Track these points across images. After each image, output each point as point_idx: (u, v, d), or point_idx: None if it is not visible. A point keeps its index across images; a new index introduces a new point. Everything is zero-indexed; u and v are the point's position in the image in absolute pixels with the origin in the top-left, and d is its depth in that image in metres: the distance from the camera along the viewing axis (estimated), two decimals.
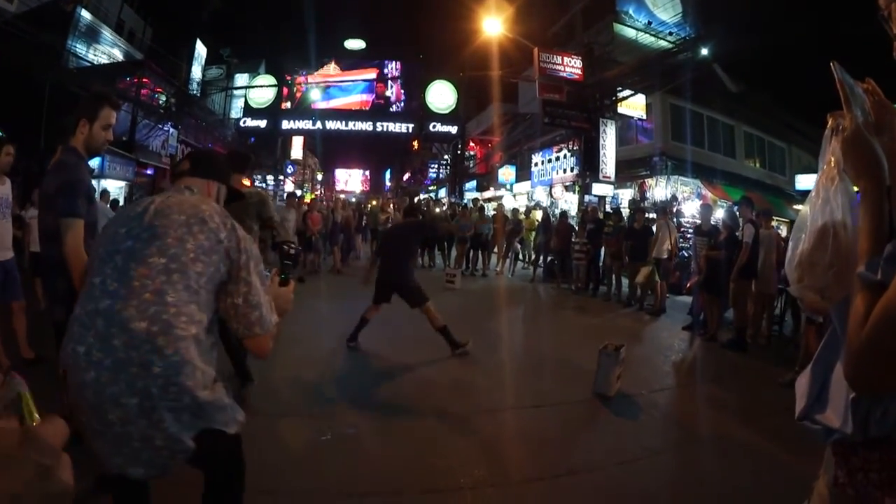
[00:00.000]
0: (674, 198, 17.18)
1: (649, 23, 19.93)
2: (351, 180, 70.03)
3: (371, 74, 33.82)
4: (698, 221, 9.98)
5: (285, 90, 31.24)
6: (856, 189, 1.19)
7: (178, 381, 1.64)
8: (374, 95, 33.78)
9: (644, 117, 18.56)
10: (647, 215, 11.99)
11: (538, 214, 16.44)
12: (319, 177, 62.64)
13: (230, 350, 4.41)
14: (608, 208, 16.34)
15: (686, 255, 11.86)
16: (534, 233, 15.18)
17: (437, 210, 15.79)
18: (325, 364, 5.79)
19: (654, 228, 10.58)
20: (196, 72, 26.38)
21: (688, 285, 9.21)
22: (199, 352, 1.73)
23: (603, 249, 12.03)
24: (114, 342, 1.64)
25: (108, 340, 1.64)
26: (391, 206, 17.74)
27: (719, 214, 11.19)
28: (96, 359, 1.64)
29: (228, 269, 1.86)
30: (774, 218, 9.06)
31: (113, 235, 1.88)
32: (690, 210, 16.15)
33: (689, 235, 11.97)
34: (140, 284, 1.70)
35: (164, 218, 1.83)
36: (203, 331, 1.77)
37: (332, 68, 33.68)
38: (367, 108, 32.83)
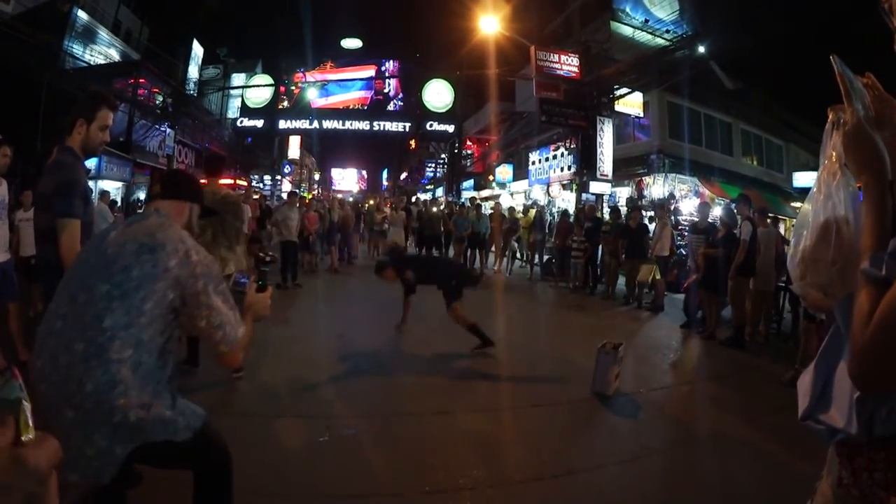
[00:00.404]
0: (671, 196, 17.18)
1: (646, 20, 19.89)
2: (348, 179, 70.11)
3: (369, 72, 33.86)
4: (695, 219, 9.99)
5: (282, 88, 31.18)
6: (858, 185, 1.18)
7: (108, 400, 1.76)
8: (372, 91, 33.79)
9: (641, 115, 18.56)
10: (643, 213, 11.96)
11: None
12: (317, 176, 62.59)
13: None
14: (606, 206, 16.34)
15: (683, 252, 11.85)
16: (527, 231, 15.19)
17: (434, 210, 15.75)
18: (322, 364, 5.76)
19: (649, 227, 10.57)
20: (193, 72, 26.38)
21: (685, 284, 9.18)
22: (136, 374, 1.83)
23: (601, 248, 12.02)
24: (60, 360, 1.80)
25: (57, 358, 1.81)
26: (388, 205, 17.72)
27: (717, 212, 11.19)
28: (47, 373, 1.81)
29: (181, 295, 1.96)
30: (770, 215, 9.03)
31: (76, 262, 2.05)
32: (688, 208, 16.16)
33: (685, 233, 11.96)
34: (83, 310, 1.84)
35: (118, 247, 1.95)
36: (144, 353, 1.86)
37: (329, 66, 33.69)
38: (367, 105, 32.86)
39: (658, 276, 10.11)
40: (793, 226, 1.68)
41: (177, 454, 1.94)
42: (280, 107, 30.89)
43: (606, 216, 13.71)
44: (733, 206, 8.78)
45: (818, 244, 1.24)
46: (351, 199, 28.09)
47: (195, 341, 5.07)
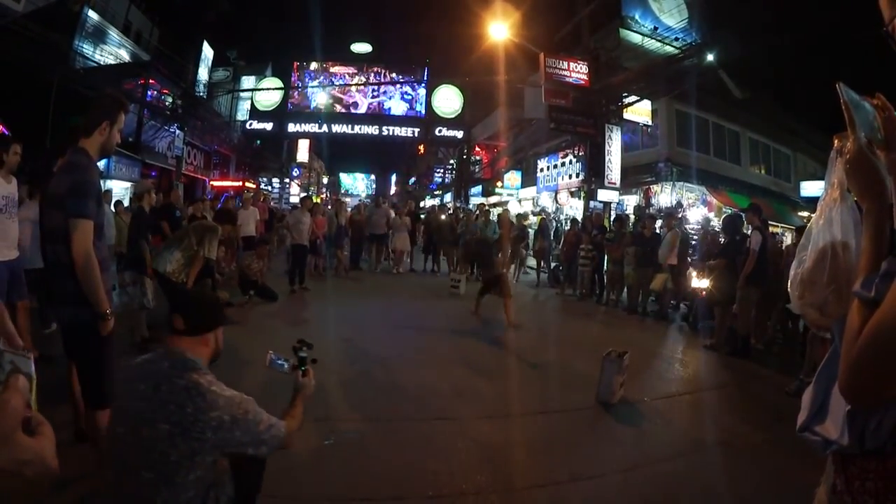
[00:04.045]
0: (679, 204, 17.13)
1: (655, 28, 19.83)
2: (357, 184, 70.45)
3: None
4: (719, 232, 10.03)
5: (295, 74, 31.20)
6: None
7: None
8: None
9: (650, 123, 18.54)
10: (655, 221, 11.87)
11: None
12: (325, 180, 62.65)
13: None
14: (613, 214, 16.29)
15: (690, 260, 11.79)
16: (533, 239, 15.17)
17: (443, 217, 15.72)
18: (328, 368, 5.77)
19: (660, 235, 10.53)
20: (203, 73, 26.39)
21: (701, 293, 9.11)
22: None
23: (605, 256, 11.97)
24: None
25: None
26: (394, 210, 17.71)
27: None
28: None
29: (218, 445, 1.94)
30: (777, 224, 9.00)
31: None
32: (695, 216, 16.12)
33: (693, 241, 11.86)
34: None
35: (151, 428, 1.89)
36: None
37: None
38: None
39: (670, 286, 10.05)
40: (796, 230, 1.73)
41: None
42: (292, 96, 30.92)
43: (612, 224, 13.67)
44: (743, 215, 8.74)
45: (815, 267, 1.31)
46: (358, 203, 28.08)
47: None
